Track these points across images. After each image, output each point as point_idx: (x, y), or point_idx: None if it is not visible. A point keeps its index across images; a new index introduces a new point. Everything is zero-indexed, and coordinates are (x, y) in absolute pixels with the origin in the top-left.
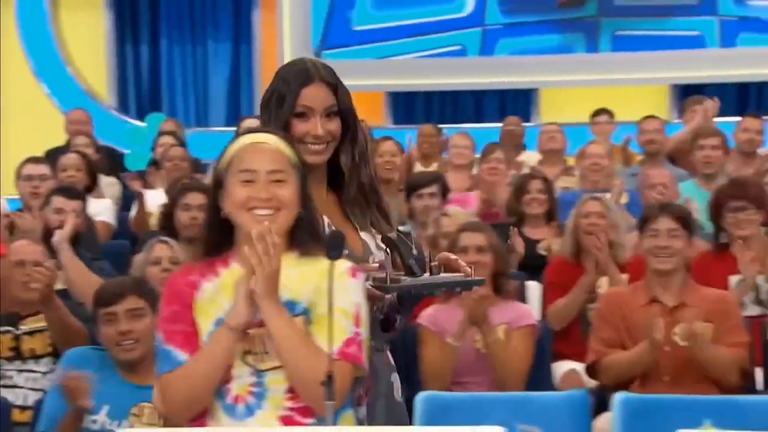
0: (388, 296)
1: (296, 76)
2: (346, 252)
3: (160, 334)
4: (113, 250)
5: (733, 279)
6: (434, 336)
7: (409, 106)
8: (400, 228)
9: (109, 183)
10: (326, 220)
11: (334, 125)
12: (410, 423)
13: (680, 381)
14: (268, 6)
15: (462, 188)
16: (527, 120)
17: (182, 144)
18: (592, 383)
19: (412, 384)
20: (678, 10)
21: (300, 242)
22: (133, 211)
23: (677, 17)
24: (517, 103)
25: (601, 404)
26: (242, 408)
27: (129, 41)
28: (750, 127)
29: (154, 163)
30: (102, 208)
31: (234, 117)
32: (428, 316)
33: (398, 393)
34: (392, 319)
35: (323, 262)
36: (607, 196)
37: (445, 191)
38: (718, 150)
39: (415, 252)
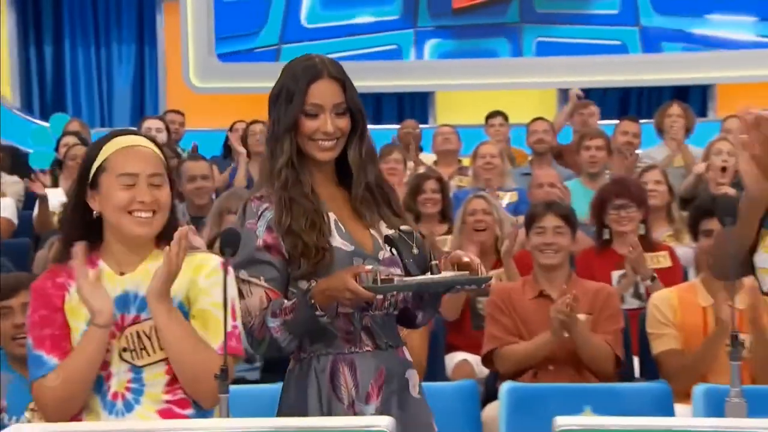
0: (379, 296)
1: (304, 71)
2: (352, 248)
3: (30, 340)
4: (14, 248)
5: (615, 274)
6: None
7: None
8: (402, 227)
9: (11, 182)
10: (333, 216)
11: (344, 122)
12: (430, 417)
13: (565, 370)
14: (171, 10)
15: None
16: (424, 122)
17: (86, 144)
18: (482, 373)
19: None
20: (599, 19)
21: (169, 239)
22: (36, 211)
23: (598, 26)
24: (414, 105)
25: (490, 393)
26: (121, 404)
27: (32, 42)
28: (628, 130)
29: (58, 163)
30: (3, 206)
31: (138, 117)
32: None
33: (415, 389)
34: (412, 315)
35: (195, 258)
36: (499, 194)
37: None
38: (602, 150)
39: (416, 251)
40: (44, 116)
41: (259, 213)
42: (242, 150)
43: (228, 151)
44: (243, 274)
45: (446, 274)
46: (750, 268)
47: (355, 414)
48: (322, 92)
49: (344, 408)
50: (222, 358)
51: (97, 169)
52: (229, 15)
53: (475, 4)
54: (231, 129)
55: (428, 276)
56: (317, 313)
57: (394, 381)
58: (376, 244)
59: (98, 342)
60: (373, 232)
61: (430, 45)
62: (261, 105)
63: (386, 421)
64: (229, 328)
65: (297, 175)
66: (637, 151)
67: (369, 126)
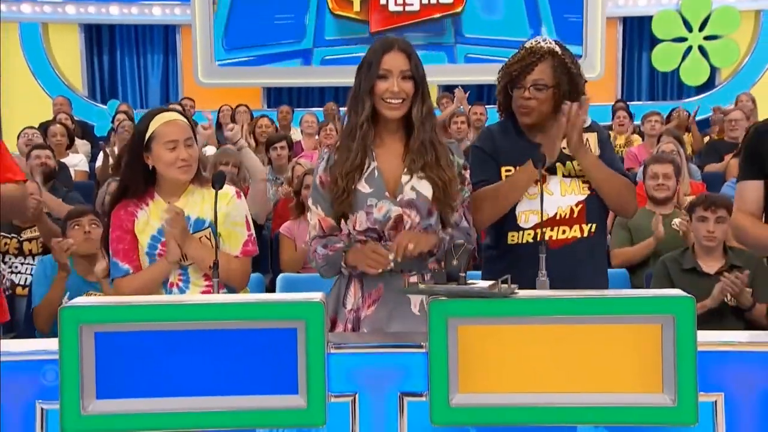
0: (391, 231)
1: (381, 45)
2: (370, 190)
3: (111, 251)
4: (83, 187)
5: None
6: (289, 240)
7: (276, 95)
8: (457, 241)
9: (81, 144)
10: (375, 164)
11: (408, 85)
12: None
13: None
14: (186, 32)
15: (310, 148)
16: None
17: (131, 119)
18: None
19: (276, 269)
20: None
21: (198, 178)
22: (100, 163)
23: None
24: (344, 95)
25: None
26: (176, 290)
27: (95, 53)
28: (477, 111)
29: (112, 131)
30: (78, 160)
31: (164, 102)
32: (286, 227)
33: (416, 308)
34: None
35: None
36: None
37: (290, 145)
38: (464, 124)
39: (455, 263)
40: (103, 101)
41: (322, 156)
42: (233, 125)
43: (219, 124)
44: (309, 201)
45: (472, 286)
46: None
47: (357, 317)
48: (392, 60)
49: (346, 311)
50: (242, 259)
51: (149, 138)
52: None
53: (387, 28)
54: (219, 110)
55: (455, 285)
56: (342, 264)
57: (393, 298)
58: (400, 188)
59: (164, 268)
60: (404, 178)
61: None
62: (243, 94)
63: (319, 296)
64: (245, 237)
65: (369, 129)
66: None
67: (315, 108)
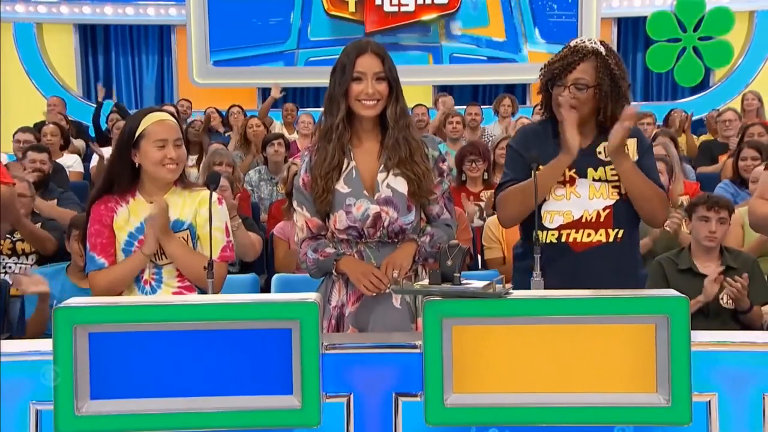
0: (371, 228)
1: (354, 48)
2: (349, 190)
3: (88, 244)
4: (78, 187)
5: (468, 204)
6: (282, 241)
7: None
8: (451, 242)
9: (76, 143)
10: (353, 164)
11: (382, 86)
12: (409, 322)
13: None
14: (181, 32)
15: (305, 148)
16: None
17: (125, 119)
18: None
19: (271, 270)
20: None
21: (181, 180)
22: (94, 162)
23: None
24: None
25: None
26: (148, 288)
27: (90, 53)
28: (472, 111)
29: (108, 131)
30: (73, 161)
31: (159, 103)
32: (279, 228)
33: (397, 301)
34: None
35: (199, 193)
36: None
37: (286, 144)
38: (460, 124)
39: (449, 263)
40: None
41: (303, 158)
42: (221, 128)
43: (208, 127)
44: (294, 203)
45: (466, 286)
46: (535, 216)
47: (341, 313)
48: (366, 63)
49: (331, 308)
50: (219, 263)
51: (138, 135)
52: (218, 36)
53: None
54: (205, 112)
55: (450, 285)
56: (333, 270)
57: (377, 295)
58: (377, 186)
59: (139, 261)
60: (380, 176)
61: None
62: (238, 94)
63: (314, 296)
64: (224, 243)
65: (344, 130)
66: (481, 125)
67: (312, 108)
